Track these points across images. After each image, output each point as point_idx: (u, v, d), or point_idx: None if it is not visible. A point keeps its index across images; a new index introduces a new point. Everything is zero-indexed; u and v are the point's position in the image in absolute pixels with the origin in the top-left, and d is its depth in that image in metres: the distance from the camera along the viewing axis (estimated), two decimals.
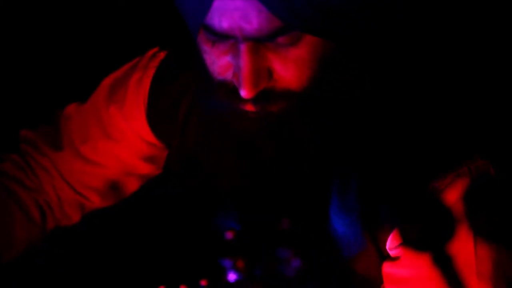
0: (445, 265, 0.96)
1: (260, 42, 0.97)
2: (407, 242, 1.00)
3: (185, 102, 1.26)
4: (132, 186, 1.40)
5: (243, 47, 0.97)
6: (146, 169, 1.37)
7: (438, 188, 0.99)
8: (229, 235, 0.90)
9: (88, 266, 1.47)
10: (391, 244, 1.03)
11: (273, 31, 0.96)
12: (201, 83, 1.10)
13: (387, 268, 1.04)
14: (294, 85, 1.00)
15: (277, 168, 1.07)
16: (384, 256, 1.05)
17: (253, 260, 0.89)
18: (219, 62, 1.02)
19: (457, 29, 1.22)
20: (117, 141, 1.34)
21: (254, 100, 1.00)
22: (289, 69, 0.99)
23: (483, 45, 1.24)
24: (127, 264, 1.45)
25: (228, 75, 1.01)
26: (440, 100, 1.07)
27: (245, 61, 0.97)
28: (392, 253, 1.03)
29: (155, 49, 1.33)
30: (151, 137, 1.33)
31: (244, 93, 0.98)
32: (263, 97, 1.00)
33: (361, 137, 1.06)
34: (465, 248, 0.96)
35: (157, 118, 1.30)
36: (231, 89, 1.01)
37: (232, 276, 0.89)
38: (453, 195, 0.98)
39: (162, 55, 1.31)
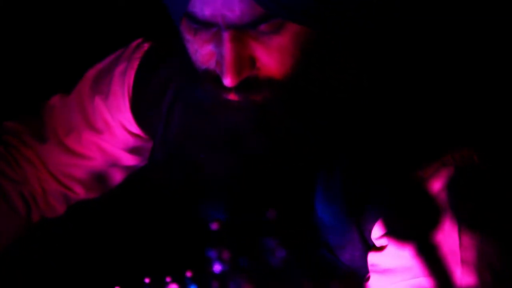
0: (430, 254, 0.96)
1: (242, 30, 0.97)
2: (392, 231, 1.00)
3: (170, 94, 1.26)
4: (117, 177, 1.39)
5: (226, 35, 0.97)
6: (131, 160, 1.37)
7: (423, 177, 0.99)
8: (215, 225, 0.90)
9: (73, 258, 1.47)
10: (376, 233, 1.03)
11: (255, 19, 0.96)
12: (185, 73, 1.09)
13: (372, 258, 1.04)
14: (277, 74, 1.00)
15: (262, 159, 1.07)
16: (370, 246, 1.06)
17: (239, 251, 0.88)
18: (202, 51, 1.01)
19: (451, 27, 1.22)
20: (102, 132, 1.34)
21: (237, 88, 0.99)
22: (272, 57, 0.99)
23: (476, 43, 1.24)
24: (113, 256, 1.45)
25: (211, 64, 1.01)
26: (424, 90, 1.07)
27: (227, 49, 0.97)
28: (377, 243, 1.04)
29: (139, 40, 1.33)
30: (135, 128, 1.33)
31: (227, 81, 0.98)
32: (246, 86, 0.99)
33: (345, 127, 1.06)
34: (449, 237, 0.97)
35: (141, 109, 1.30)
36: (214, 78, 1.01)
37: (217, 267, 0.89)
38: (437, 184, 0.98)
39: (146, 46, 1.31)
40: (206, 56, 1.01)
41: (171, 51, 1.27)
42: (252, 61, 0.99)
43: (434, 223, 0.97)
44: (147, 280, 0.94)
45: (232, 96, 1.01)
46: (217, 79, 1.00)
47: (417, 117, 1.04)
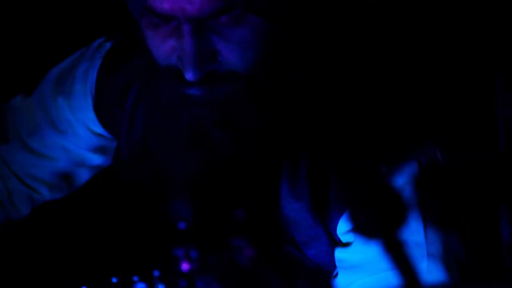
0: (396, 248, 0.97)
1: (203, 23, 0.97)
2: (357, 227, 1.01)
3: (133, 93, 1.25)
4: (83, 177, 1.39)
5: (186, 28, 0.96)
6: (96, 160, 1.36)
7: (387, 173, 1.00)
8: (182, 224, 0.90)
9: (39, 258, 1.46)
10: (342, 229, 1.04)
11: (215, 11, 0.96)
12: (147, 71, 1.09)
13: (339, 254, 1.05)
14: (239, 67, 1.00)
15: (227, 155, 1.07)
16: (336, 242, 1.06)
17: (206, 249, 0.89)
18: (163, 46, 1.01)
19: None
20: (65, 133, 1.33)
21: (200, 83, 0.99)
22: (233, 50, 0.99)
23: (429, 30, 1.25)
24: (79, 255, 1.44)
25: (173, 60, 1.01)
26: (389, 85, 1.08)
27: (188, 43, 0.97)
28: (343, 238, 1.05)
29: (101, 39, 1.32)
30: (99, 128, 1.32)
31: (189, 75, 0.98)
32: (208, 79, 0.99)
33: (309, 122, 1.07)
34: (415, 231, 0.98)
35: (105, 109, 1.29)
36: (176, 73, 1.01)
37: (185, 266, 0.89)
38: (401, 180, 1.00)
39: (108, 45, 1.30)
40: (167, 51, 1.01)
41: (133, 49, 1.26)
42: (214, 55, 0.99)
43: (399, 218, 0.98)
44: (114, 280, 0.93)
45: (195, 91, 1.01)
46: (179, 74, 1.00)
47: (382, 115, 1.05)
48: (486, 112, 1.10)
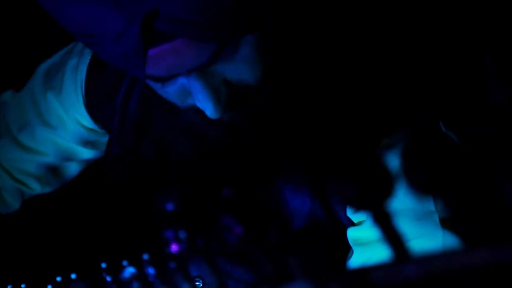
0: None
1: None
2: (366, 206, 1.01)
3: (123, 87, 1.25)
4: (73, 171, 1.39)
5: (192, 77, 0.95)
6: (87, 154, 1.36)
7: (378, 150, 1.00)
8: (170, 206, 0.89)
9: (30, 245, 1.46)
10: (352, 210, 1.04)
11: (212, 54, 0.93)
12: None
13: (353, 233, 1.05)
14: (251, 81, 0.99)
15: (221, 148, 1.07)
16: (334, 227, 1.06)
17: (196, 230, 0.88)
18: (174, 92, 0.99)
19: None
20: (55, 128, 1.33)
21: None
22: (241, 72, 0.98)
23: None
24: (68, 242, 1.44)
25: (189, 100, 1.00)
26: (376, 70, 1.08)
27: (200, 88, 0.95)
28: (355, 218, 1.04)
29: None
30: (90, 123, 1.31)
31: (211, 115, 0.96)
32: (230, 106, 0.98)
33: (306, 114, 1.07)
34: (424, 200, 0.98)
35: (95, 104, 1.29)
36: (196, 110, 0.99)
37: (174, 247, 0.88)
38: (392, 156, 0.99)
39: None
40: (180, 95, 1.00)
41: None
42: (225, 84, 0.97)
43: (388, 193, 0.98)
44: (103, 265, 0.92)
45: (220, 120, 0.99)
46: (199, 110, 0.98)
47: (373, 102, 1.05)
48: (476, 89, 1.09)
